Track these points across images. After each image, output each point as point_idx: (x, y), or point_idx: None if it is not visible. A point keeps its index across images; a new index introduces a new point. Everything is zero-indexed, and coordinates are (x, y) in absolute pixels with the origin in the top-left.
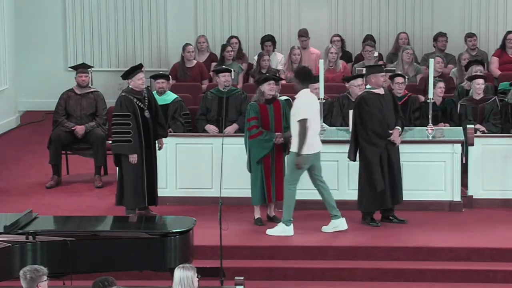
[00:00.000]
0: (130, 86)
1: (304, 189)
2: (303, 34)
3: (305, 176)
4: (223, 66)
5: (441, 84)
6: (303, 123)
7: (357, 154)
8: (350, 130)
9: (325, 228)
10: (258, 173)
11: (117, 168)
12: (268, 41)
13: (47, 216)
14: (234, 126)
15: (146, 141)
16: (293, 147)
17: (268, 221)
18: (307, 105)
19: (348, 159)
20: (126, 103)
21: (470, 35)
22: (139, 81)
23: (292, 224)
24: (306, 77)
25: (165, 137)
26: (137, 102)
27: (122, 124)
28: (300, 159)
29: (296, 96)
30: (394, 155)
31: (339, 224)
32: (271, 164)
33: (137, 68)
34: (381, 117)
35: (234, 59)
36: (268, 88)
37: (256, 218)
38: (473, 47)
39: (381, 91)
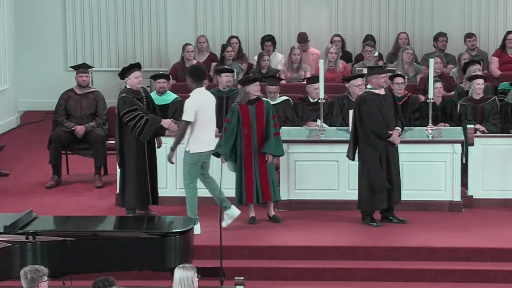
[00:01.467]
0: (127, 86)
1: (304, 189)
2: (302, 40)
3: (304, 176)
4: (225, 66)
5: (438, 84)
6: (185, 124)
7: (357, 154)
8: (350, 130)
9: (224, 224)
10: (237, 173)
11: (120, 169)
12: (268, 41)
13: (47, 216)
14: None
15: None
16: (187, 146)
17: (268, 221)
18: (197, 105)
19: (347, 158)
20: (128, 101)
21: (469, 35)
22: (135, 80)
23: (198, 223)
24: (199, 75)
25: (163, 135)
26: (137, 102)
27: (135, 117)
28: (171, 154)
29: (190, 95)
30: (393, 155)
31: (233, 212)
32: (254, 164)
33: (133, 67)
34: (381, 118)
35: (234, 59)
36: (255, 89)
37: (250, 217)
38: (473, 47)
39: (381, 91)
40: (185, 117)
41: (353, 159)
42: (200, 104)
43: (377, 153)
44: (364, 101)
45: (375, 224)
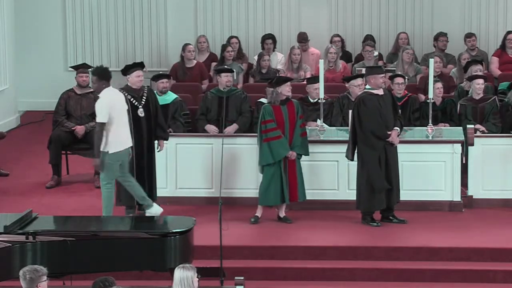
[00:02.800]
0: (128, 84)
1: (305, 189)
2: (302, 39)
3: (304, 176)
4: (225, 66)
5: (439, 85)
6: (100, 126)
7: (356, 154)
8: (349, 130)
9: None
10: (276, 173)
11: None
12: (269, 39)
13: (47, 216)
14: (234, 126)
15: (138, 138)
16: (105, 147)
17: (277, 221)
18: (109, 105)
19: (346, 158)
20: None
21: (469, 35)
22: (136, 78)
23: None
24: (105, 75)
25: (166, 139)
26: (131, 99)
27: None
28: (98, 161)
29: (99, 96)
30: (392, 156)
31: (155, 211)
32: (285, 165)
33: (137, 65)
34: (380, 118)
35: (234, 59)
36: (287, 90)
37: (254, 215)
38: (472, 47)
39: (380, 91)
40: (99, 119)
41: (352, 159)
42: (112, 103)
43: (376, 153)
44: (362, 102)
45: (375, 224)
